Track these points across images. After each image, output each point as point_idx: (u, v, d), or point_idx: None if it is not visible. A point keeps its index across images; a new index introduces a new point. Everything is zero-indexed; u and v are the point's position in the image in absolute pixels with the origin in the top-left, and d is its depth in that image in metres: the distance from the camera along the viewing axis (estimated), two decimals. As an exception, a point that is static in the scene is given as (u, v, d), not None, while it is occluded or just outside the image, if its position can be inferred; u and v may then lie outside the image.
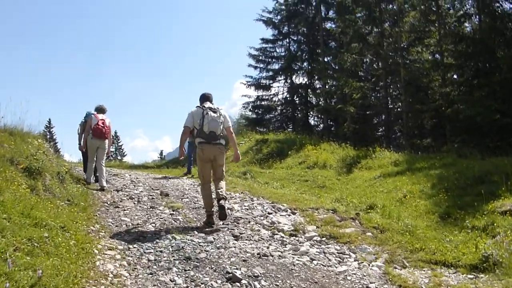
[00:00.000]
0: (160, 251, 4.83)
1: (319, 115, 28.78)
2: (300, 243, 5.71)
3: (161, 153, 61.67)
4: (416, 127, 22.15)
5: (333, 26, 27.95)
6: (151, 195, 8.41)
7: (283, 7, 28.93)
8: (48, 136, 58.03)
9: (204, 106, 6.09)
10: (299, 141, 14.44)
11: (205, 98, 6.36)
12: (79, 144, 9.38)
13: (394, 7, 19.10)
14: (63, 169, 7.09)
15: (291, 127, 29.34)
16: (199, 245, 5.12)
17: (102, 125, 8.63)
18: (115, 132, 62.98)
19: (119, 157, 62.87)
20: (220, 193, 5.96)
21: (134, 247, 4.89)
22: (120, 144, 62.26)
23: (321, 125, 29.33)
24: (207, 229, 5.94)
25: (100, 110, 8.99)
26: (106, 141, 8.83)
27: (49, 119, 57.95)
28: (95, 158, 8.78)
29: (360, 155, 12.09)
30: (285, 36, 29.07)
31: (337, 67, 27.28)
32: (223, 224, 6.24)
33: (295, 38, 29.38)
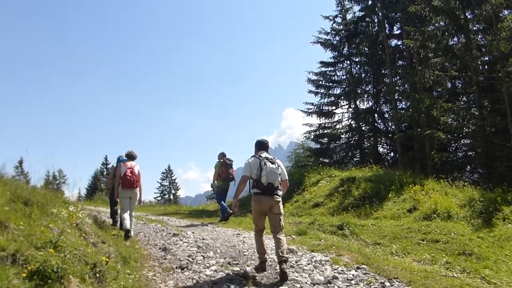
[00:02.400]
0: None
1: (390, 143, 25.42)
2: None
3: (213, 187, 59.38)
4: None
5: (399, 42, 25.05)
6: (231, 279, 5.60)
7: (342, 27, 26.29)
8: (105, 173, 57.96)
9: (261, 156, 5.92)
10: (398, 179, 11.24)
11: (261, 146, 6.16)
12: (107, 188, 9.71)
13: (484, 11, 15.80)
14: (102, 258, 4.35)
15: (357, 156, 26.16)
16: None
17: (131, 174, 8.40)
18: (168, 166, 61.83)
19: (172, 191, 61.56)
20: (281, 254, 5.59)
21: None
22: (173, 178, 60.76)
23: (391, 154, 25.96)
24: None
25: (130, 157, 8.82)
26: (137, 189, 8.59)
27: (105, 156, 58.04)
28: (128, 207, 8.50)
29: (499, 199, 8.73)
30: (346, 57, 26.20)
31: (407, 88, 24.23)
32: None
33: (356, 60, 26.43)
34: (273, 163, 5.84)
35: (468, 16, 16.54)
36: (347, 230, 8.81)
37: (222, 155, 12.30)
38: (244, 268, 6.15)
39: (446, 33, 16.81)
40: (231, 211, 11.68)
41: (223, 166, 12.14)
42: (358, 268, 6.13)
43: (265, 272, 5.96)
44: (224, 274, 5.82)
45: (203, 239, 8.55)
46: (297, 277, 5.79)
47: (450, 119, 16.33)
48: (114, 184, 9.03)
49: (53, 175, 57.70)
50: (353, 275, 5.83)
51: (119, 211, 8.87)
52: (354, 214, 10.49)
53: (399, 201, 10.46)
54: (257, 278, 5.73)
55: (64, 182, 61.39)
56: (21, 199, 4.40)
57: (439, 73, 16.90)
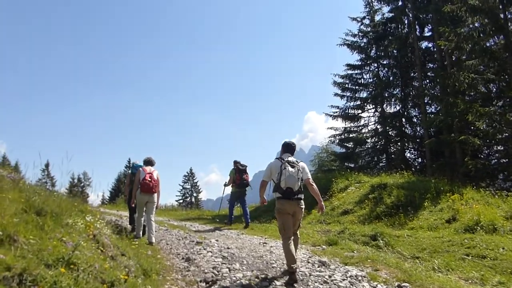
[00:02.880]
0: None
1: (417, 148, 24.52)
2: None
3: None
4: None
5: (430, 45, 24.17)
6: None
7: (370, 28, 25.55)
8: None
9: (283, 159, 5.86)
10: (434, 187, 10.50)
11: (287, 148, 6.08)
12: (125, 195, 9.72)
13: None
14: (120, 275, 3.88)
15: (383, 161, 25.32)
16: None
17: (150, 179, 8.40)
18: (190, 169, 61.75)
19: (194, 194, 61.44)
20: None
21: None
22: (195, 181, 60.70)
23: (419, 159, 25.01)
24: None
25: (148, 162, 8.85)
26: (155, 195, 8.60)
27: (129, 158, 58.38)
28: (144, 213, 8.59)
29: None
30: (374, 60, 25.44)
31: (437, 91, 23.30)
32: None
33: (384, 62, 25.63)
34: (293, 166, 5.74)
35: (509, 16, 15.63)
36: (381, 241, 8.17)
37: (235, 162, 12.47)
38: (274, 283, 5.63)
39: (483, 34, 15.91)
40: (230, 223, 12.48)
41: (237, 172, 12.30)
42: (399, 286, 5.52)
43: (296, 285, 5.49)
44: (254, 289, 5.31)
45: (227, 248, 8.06)
46: (332, 295, 5.25)
47: (484, 125, 15.43)
48: (131, 189, 9.04)
49: (78, 177, 58.62)
50: (393, 294, 5.24)
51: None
52: (387, 223, 9.81)
53: (435, 210, 9.73)
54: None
55: (89, 185, 62.18)
56: (34, 208, 3.98)
57: (474, 76, 16.06)
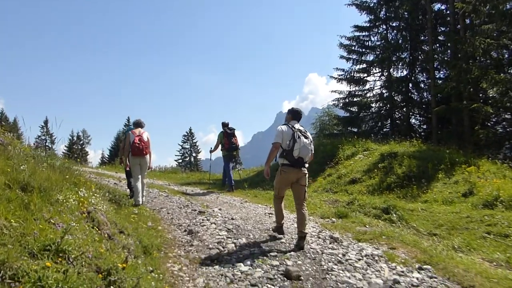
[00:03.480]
0: None
1: (423, 115, 23.89)
2: None
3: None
4: None
5: (443, 7, 23.06)
6: (271, 279, 4.64)
7: (381, -12, 24.29)
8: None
9: (294, 127, 5.85)
10: (448, 158, 9.94)
11: (295, 115, 6.08)
12: (120, 158, 9.39)
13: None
14: (118, 263, 3.36)
15: (388, 127, 24.74)
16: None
17: (139, 142, 8.29)
18: (190, 129, 61.18)
19: (193, 154, 61.12)
20: (303, 230, 5.77)
21: None
22: (194, 141, 60.32)
23: (424, 126, 24.41)
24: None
25: (137, 124, 8.71)
26: (147, 156, 8.47)
27: (128, 117, 57.81)
28: (139, 176, 8.38)
29: None
30: (383, 21, 24.35)
31: (448, 56, 22.44)
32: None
33: (394, 24, 24.54)
34: (306, 137, 5.80)
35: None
36: (394, 215, 7.73)
37: (223, 125, 12.21)
38: (284, 263, 5.19)
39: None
40: (232, 188, 11.98)
41: (225, 136, 12.07)
42: (420, 268, 5.08)
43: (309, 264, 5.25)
44: (262, 271, 4.86)
45: (232, 219, 7.61)
46: (349, 278, 4.79)
47: (498, 92, 14.77)
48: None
49: (77, 135, 58.12)
50: (417, 278, 4.78)
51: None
52: (398, 195, 9.34)
53: (450, 182, 9.24)
54: (301, 277, 4.77)
55: (88, 143, 61.78)
56: (18, 183, 3.43)
57: (490, 41, 15.22)
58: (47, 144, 58.25)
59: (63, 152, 58.13)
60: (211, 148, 12.52)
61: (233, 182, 12.13)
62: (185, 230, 6.70)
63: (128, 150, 8.39)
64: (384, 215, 7.91)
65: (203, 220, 7.44)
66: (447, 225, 7.04)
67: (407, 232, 6.85)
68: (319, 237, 6.48)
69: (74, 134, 57.78)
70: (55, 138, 58.97)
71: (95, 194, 4.97)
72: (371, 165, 11.51)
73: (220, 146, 12.18)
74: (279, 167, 5.90)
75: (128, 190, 9.58)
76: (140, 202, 8.24)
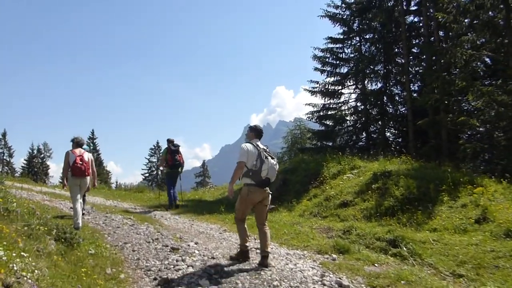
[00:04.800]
0: None
1: (398, 128, 23.16)
2: None
3: (203, 164, 56.77)
4: None
5: (416, 19, 22.54)
6: None
7: (353, 0, 23.58)
8: (92, 148, 55.02)
9: (259, 146, 5.73)
10: (451, 177, 8.75)
11: (258, 134, 5.93)
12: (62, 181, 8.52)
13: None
14: None
15: (363, 140, 23.87)
16: None
17: (81, 162, 7.90)
18: (157, 143, 58.82)
19: (161, 168, 58.58)
20: (266, 250, 5.72)
21: None
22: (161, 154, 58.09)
23: (399, 140, 23.66)
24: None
25: (77, 144, 8.27)
26: (88, 178, 8.09)
27: (92, 130, 55.22)
28: (78, 197, 7.91)
29: None
30: (357, 33, 23.62)
31: (420, 69, 21.84)
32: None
33: (367, 37, 23.85)
34: (273, 158, 5.74)
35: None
36: (404, 249, 6.43)
37: (168, 141, 11.90)
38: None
39: (486, 6, 14.18)
40: (178, 204, 11.85)
41: (169, 152, 11.68)
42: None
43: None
44: None
45: (212, 257, 6.12)
46: None
47: (483, 104, 13.91)
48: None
49: (37, 148, 54.79)
50: None
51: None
52: (401, 222, 8.04)
53: (456, 206, 8.02)
54: None
55: (49, 156, 58.35)
56: None
57: (472, 52, 14.45)
58: (4, 158, 54.74)
59: (21, 167, 55.02)
60: (158, 167, 12.00)
61: (177, 199, 11.92)
62: (155, 278, 5.15)
63: (67, 170, 7.88)
64: (392, 248, 6.61)
65: (177, 261, 5.91)
66: (472, 262, 5.79)
67: (426, 273, 5.55)
68: (324, 284, 5.09)
69: (35, 147, 54.46)
70: (13, 151, 55.53)
71: (23, 252, 3.40)
72: (363, 185, 10.21)
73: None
74: (244, 187, 5.71)
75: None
76: (80, 225, 7.56)
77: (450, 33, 17.50)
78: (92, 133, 55.45)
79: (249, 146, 5.66)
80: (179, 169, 11.88)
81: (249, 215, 6.84)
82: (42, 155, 55.75)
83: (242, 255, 5.93)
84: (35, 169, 51.61)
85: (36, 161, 53.87)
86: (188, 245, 6.87)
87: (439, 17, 14.66)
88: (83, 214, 8.55)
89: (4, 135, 54.76)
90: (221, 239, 7.69)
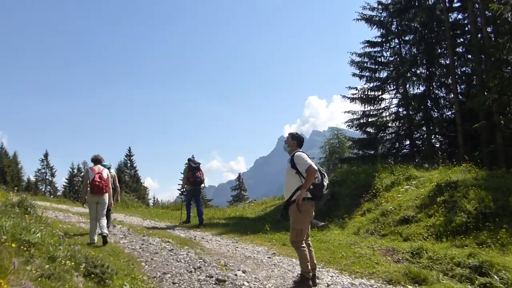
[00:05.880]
0: None
1: (444, 133, 21.57)
2: None
3: (239, 177, 56.00)
4: None
5: (460, 16, 21.04)
6: None
7: (390, 0, 22.35)
8: (129, 165, 55.44)
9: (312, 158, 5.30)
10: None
11: (300, 143, 5.44)
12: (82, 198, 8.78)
13: None
14: None
15: (407, 148, 22.39)
16: None
17: (100, 180, 7.87)
18: (192, 157, 58.67)
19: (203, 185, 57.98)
20: (315, 267, 5.30)
21: None
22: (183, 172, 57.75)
23: (445, 146, 22.03)
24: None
25: (96, 161, 8.28)
26: (106, 195, 8.05)
27: (129, 147, 55.64)
28: (96, 214, 7.87)
29: None
30: (396, 35, 22.32)
31: (467, 69, 20.36)
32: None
33: (407, 38, 22.51)
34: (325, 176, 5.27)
35: None
36: (496, 277, 5.25)
37: (189, 160, 11.99)
38: None
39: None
40: (189, 221, 11.78)
41: (190, 170, 11.67)
42: None
43: None
44: None
45: None
46: None
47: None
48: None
49: (77, 167, 55.63)
50: None
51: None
52: (479, 241, 6.83)
53: (546, 223, 6.79)
54: None
55: (88, 174, 59.23)
56: None
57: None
58: (47, 177, 55.82)
59: (63, 185, 55.89)
60: (182, 186, 11.71)
61: (202, 217, 11.63)
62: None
63: (87, 188, 7.98)
64: (478, 277, 5.42)
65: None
66: None
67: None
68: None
69: (75, 166, 55.26)
70: (55, 171, 56.55)
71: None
72: (425, 198, 8.97)
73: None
74: (304, 202, 4.97)
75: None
76: (95, 241, 7.77)
77: (501, 28, 16.00)
78: (129, 150, 55.90)
79: (308, 155, 5.23)
80: (201, 186, 12.07)
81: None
82: (82, 174, 56.56)
83: (307, 283, 5.10)
84: (76, 188, 52.24)
85: (77, 179, 54.59)
86: (235, 275, 5.92)
87: (493, 9, 13.27)
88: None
89: (46, 156, 55.92)
90: (271, 265, 6.70)
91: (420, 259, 6.44)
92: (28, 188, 47.39)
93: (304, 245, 5.15)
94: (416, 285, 5.42)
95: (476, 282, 5.38)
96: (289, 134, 5.53)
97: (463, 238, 7.16)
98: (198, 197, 11.94)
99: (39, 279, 3.76)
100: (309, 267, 5.10)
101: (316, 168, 5.02)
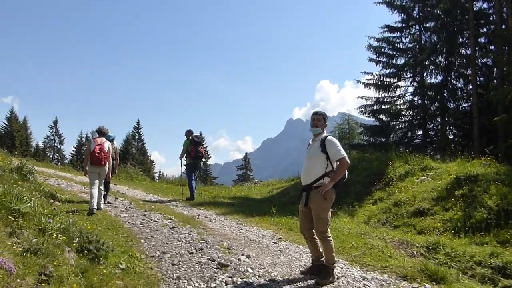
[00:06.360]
0: None
1: (459, 125, 20.88)
2: None
3: (245, 157, 55.65)
4: None
5: (485, 5, 20.13)
6: None
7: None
8: (137, 137, 55.29)
9: None
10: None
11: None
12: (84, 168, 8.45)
13: None
14: None
15: (420, 138, 21.78)
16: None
17: (99, 151, 7.98)
18: (200, 133, 58.37)
19: (203, 159, 58.01)
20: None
21: None
22: (205, 146, 57.53)
23: (458, 139, 21.36)
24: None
25: (100, 133, 8.43)
26: (106, 166, 8.18)
27: (138, 120, 55.36)
28: (95, 183, 8.04)
29: None
30: (417, 21, 21.48)
31: (488, 60, 19.57)
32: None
33: (428, 25, 21.66)
34: None
35: None
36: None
37: (189, 133, 11.67)
38: None
39: None
40: (193, 198, 11.40)
41: (192, 144, 11.49)
42: None
43: None
44: None
45: (271, 280, 4.77)
46: None
47: None
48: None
49: (86, 136, 55.56)
50: None
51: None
52: (500, 239, 6.37)
53: None
54: None
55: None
56: None
57: None
58: (55, 144, 55.89)
59: (70, 153, 55.94)
60: (180, 155, 11.73)
61: (194, 191, 11.60)
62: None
63: (88, 157, 8.04)
64: (502, 279, 4.99)
65: (226, 283, 4.59)
66: None
67: None
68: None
69: (83, 135, 55.21)
70: (64, 138, 56.58)
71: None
72: (442, 191, 8.48)
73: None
74: (330, 190, 4.63)
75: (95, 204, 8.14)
76: (95, 209, 7.80)
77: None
78: (138, 123, 55.60)
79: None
80: (200, 160, 11.92)
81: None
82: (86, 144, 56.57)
83: (333, 274, 4.83)
84: (83, 157, 52.35)
85: (84, 148, 54.61)
86: (239, 260, 5.53)
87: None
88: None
89: (55, 123, 55.85)
90: (277, 251, 6.29)
91: (437, 255, 6.01)
92: (37, 154, 47.46)
93: (330, 234, 4.85)
94: (434, 283, 4.99)
95: (499, 284, 4.95)
96: (319, 114, 4.99)
97: (483, 235, 6.70)
98: (195, 172, 11.83)
99: (24, 254, 3.37)
100: (335, 258, 4.88)
101: (349, 161, 4.69)
